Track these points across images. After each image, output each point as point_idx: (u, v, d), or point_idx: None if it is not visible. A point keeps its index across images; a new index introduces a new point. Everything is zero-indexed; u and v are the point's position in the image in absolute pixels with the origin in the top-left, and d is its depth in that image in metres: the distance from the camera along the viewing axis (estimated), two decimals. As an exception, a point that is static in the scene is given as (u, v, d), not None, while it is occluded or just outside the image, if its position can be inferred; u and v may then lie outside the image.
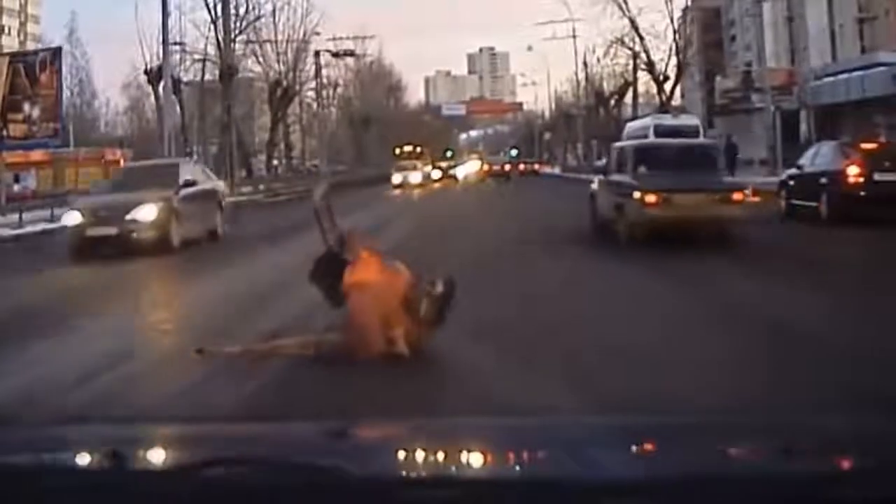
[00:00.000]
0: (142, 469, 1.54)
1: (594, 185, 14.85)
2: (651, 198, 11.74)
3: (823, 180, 15.02)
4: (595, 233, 13.90)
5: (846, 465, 1.51)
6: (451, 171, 56.03)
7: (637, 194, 11.93)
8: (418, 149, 53.04)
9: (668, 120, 30.16)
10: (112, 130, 63.85)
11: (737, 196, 12.08)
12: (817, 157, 16.23)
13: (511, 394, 4.80)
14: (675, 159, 13.20)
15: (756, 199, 18.84)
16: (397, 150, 58.53)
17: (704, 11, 50.85)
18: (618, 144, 15.90)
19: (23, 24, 70.92)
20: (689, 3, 46.15)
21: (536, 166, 63.19)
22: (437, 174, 52.73)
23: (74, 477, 1.50)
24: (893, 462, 1.47)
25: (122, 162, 53.37)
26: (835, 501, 1.33)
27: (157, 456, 1.68)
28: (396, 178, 43.15)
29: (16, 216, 21.81)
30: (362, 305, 5.87)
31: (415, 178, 43.68)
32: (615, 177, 13.51)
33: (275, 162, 52.88)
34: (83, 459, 1.62)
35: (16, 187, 41.11)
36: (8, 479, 1.45)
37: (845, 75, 34.03)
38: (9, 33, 68.22)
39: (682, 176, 12.15)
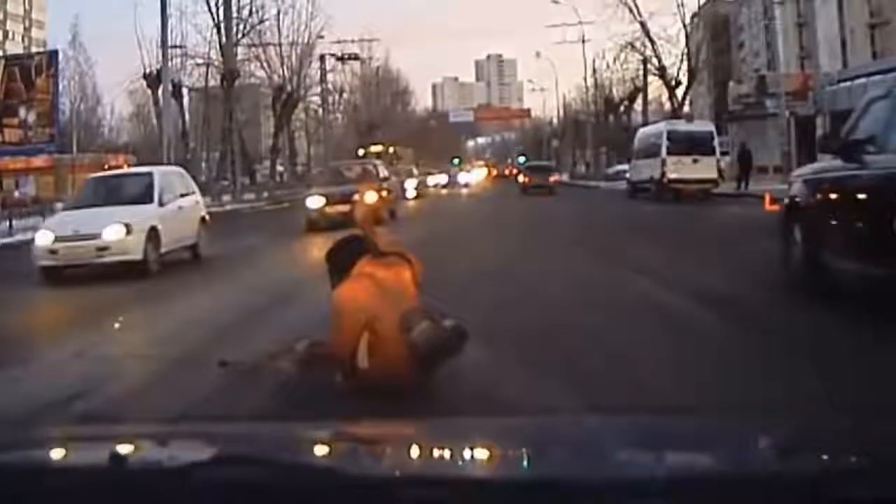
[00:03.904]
0: (142, 469, 1.51)
1: (519, 177, 44.94)
2: (526, 179, 40.65)
3: None
4: (519, 192, 37.54)
5: (846, 465, 1.50)
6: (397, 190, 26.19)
7: (520, 178, 43.19)
8: (391, 149, 30.60)
9: (681, 126, 29.79)
10: (116, 136, 63.58)
11: (553, 177, 40.93)
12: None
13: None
14: (536, 168, 44.68)
15: (775, 208, 18.85)
16: (360, 152, 34.25)
17: (713, 17, 50.29)
18: (522, 164, 59.79)
19: (27, 30, 70.67)
20: (699, 9, 45.57)
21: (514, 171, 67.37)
22: (319, 201, 19.60)
23: (74, 477, 1.47)
24: (893, 462, 1.46)
25: (125, 168, 52.95)
26: (835, 501, 1.31)
27: (157, 456, 1.66)
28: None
29: (18, 223, 21.05)
30: (349, 296, 4.83)
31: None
32: (523, 173, 44.13)
33: (280, 168, 52.33)
34: (83, 459, 1.61)
35: (16, 193, 40.71)
36: (8, 479, 1.45)
37: (864, 79, 33.20)
38: (13, 38, 67.90)
39: (537, 173, 41.36)
